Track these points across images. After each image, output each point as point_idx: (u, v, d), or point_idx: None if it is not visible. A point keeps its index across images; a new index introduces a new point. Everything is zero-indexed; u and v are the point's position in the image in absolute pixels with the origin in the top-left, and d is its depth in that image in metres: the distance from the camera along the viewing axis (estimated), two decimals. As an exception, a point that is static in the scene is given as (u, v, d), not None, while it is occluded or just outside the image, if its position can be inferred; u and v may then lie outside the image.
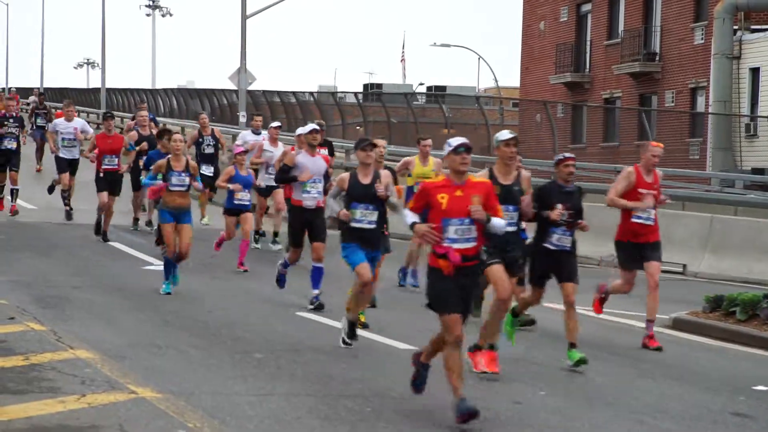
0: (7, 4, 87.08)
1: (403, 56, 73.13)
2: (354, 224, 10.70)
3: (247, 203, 16.44)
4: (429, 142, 16.47)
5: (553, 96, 46.70)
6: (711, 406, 9.14)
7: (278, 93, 49.65)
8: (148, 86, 69.63)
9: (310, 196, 13.00)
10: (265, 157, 18.14)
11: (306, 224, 12.95)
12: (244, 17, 34.75)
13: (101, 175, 18.51)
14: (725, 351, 11.91)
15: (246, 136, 20.02)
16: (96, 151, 18.60)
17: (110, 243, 18.40)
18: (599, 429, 8.08)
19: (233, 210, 16.34)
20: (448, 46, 69.18)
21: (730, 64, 38.25)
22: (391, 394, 8.79)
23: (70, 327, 10.87)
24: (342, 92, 53.70)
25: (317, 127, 13.62)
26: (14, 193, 21.21)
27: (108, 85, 57.64)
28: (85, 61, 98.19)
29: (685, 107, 41.08)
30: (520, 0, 51.71)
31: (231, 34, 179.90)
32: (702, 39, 40.36)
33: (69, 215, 21.03)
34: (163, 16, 78.32)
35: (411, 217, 8.14)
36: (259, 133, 19.85)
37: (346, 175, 11.01)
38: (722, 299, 13.01)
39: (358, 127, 45.88)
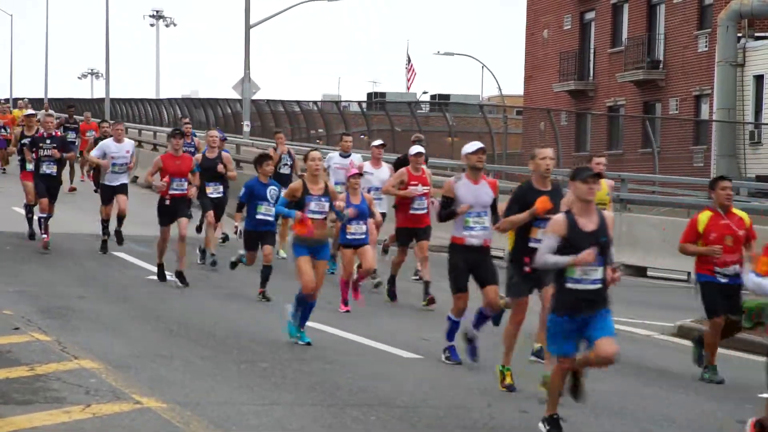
0: (11, 15, 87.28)
1: (410, 66, 73.09)
2: (570, 285, 7.91)
3: (363, 236, 13.84)
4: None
5: (557, 104, 46.71)
6: (717, 414, 9.12)
7: (282, 102, 49.71)
8: (153, 96, 69.76)
9: (474, 233, 10.58)
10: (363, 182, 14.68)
11: (471, 266, 10.55)
12: (248, 27, 34.82)
13: (167, 202, 15.32)
14: (731, 359, 11.88)
15: (333, 158, 17.05)
16: (166, 178, 15.27)
17: (115, 253, 18.39)
18: (605, 437, 8.05)
19: (348, 245, 13.83)
20: (451, 54, 69.22)
21: (734, 72, 38.26)
22: (397, 403, 8.78)
23: (75, 337, 10.87)
24: (346, 101, 53.77)
25: (483, 146, 11.18)
26: (42, 222, 18.15)
27: (112, 96, 57.71)
28: (90, 71, 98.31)
29: (689, 115, 41.07)
30: (523, 8, 51.78)
31: (235, 44, 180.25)
32: (706, 46, 40.36)
33: (105, 246, 18.29)
34: (167, 26, 78.49)
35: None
36: (347, 156, 17.06)
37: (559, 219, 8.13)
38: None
39: (362, 136, 45.90)
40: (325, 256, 11.44)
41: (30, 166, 18.32)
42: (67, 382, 8.88)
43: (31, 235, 18.83)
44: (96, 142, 25.48)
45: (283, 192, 11.88)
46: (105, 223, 18.29)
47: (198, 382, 9.15)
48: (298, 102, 49.37)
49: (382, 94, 66.17)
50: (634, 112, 43.12)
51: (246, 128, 36.51)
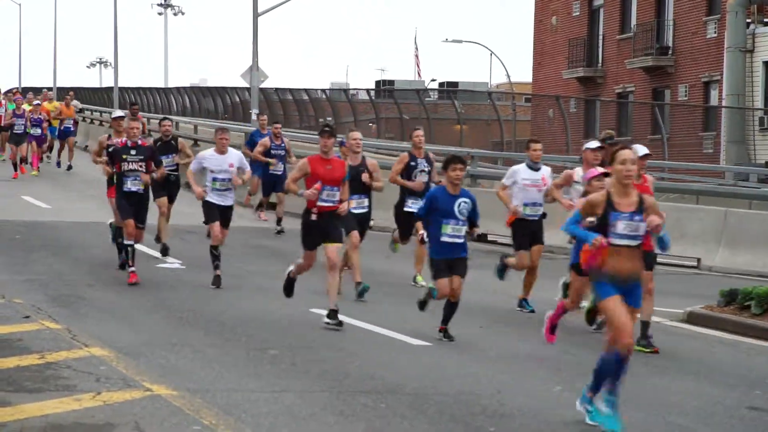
0: (20, 4, 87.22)
1: (416, 54, 73.08)
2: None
3: None
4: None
5: (566, 91, 46.62)
6: (726, 401, 9.12)
7: (290, 90, 49.73)
8: (161, 85, 69.80)
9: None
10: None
11: None
12: (256, 15, 34.78)
13: (314, 218, 11.84)
14: (740, 345, 11.87)
15: (519, 171, 13.76)
16: (317, 185, 11.81)
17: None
18: (614, 424, 8.05)
19: None
20: (460, 41, 69.01)
21: (743, 58, 38.14)
22: (406, 390, 8.80)
23: (85, 325, 10.91)
24: (354, 89, 53.75)
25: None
26: (130, 253, 14.33)
27: (121, 84, 57.75)
28: (98, 60, 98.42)
29: (699, 101, 40.97)
30: (532, -5, 51.62)
31: (243, 32, 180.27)
32: (715, 32, 40.23)
33: (219, 281, 14.17)
34: (175, 14, 78.45)
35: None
36: (538, 169, 13.64)
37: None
38: (737, 293, 12.98)
39: (370, 124, 45.90)
40: (638, 303, 8.13)
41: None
42: (78, 369, 8.91)
43: (122, 265, 14.90)
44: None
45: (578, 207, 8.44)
46: (216, 250, 14.25)
47: (208, 370, 9.18)
48: (306, 90, 49.37)
49: (391, 82, 66.11)
50: (644, 99, 43.03)
51: (254, 117, 36.51)
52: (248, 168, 15.14)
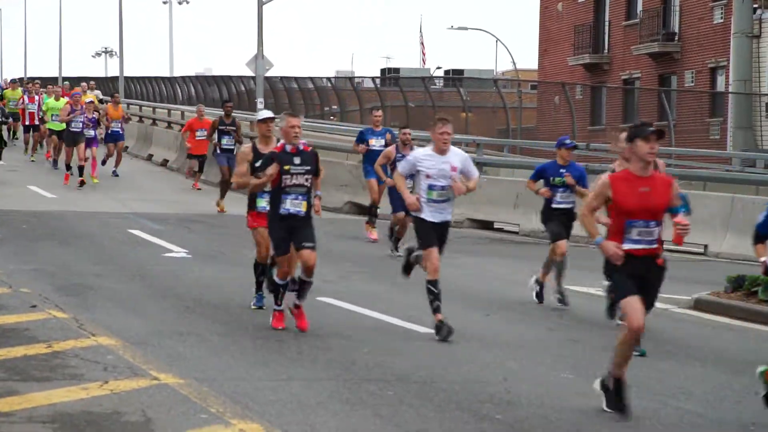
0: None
1: (422, 41, 73.02)
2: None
3: None
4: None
5: (572, 78, 46.53)
6: (734, 387, 9.11)
7: (296, 79, 49.69)
8: (166, 74, 69.77)
9: None
10: None
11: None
12: (261, 3, 34.71)
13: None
14: (747, 331, 11.86)
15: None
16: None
17: (130, 231, 18.45)
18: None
19: None
20: (465, 29, 68.83)
21: (749, 43, 38.01)
22: (413, 378, 8.80)
23: (93, 314, 10.92)
24: (359, 77, 53.72)
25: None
26: (280, 293, 10.84)
27: (126, 74, 57.78)
28: (103, 49, 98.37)
29: (705, 87, 40.88)
30: (537, -19, 51.47)
31: (248, 21, 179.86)
32: (721, 18, 40.10)
33: (447, 329, 10.54)
34: (179, 3, 78.39)
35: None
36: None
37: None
38: (744, 279, 12.96)
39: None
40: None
41: (263, 203, 11.17)
42: (85, 358, 8.93)
43: (258, 299, 11.98)
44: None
45: None
46: (434, 286, 10.66)
47: (214, 359, 9.19)
48: (311, 78, 49.32)
49: (396, 70, 66.01)
50: (650, 85, 42.93)
51: (260, 105, 36.49)
52: (475, 172, 10.89)
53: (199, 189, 26.89)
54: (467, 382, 8.77)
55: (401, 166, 11.00)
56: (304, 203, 10.48)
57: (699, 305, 13.13)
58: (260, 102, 35.55)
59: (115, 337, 9.79)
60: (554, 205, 12.79)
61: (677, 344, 10.98)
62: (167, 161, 33.88)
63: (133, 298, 12.19)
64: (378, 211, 18.98)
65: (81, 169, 25.43)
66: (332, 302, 12.35)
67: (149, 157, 35.46)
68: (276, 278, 10.78)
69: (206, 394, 7.94)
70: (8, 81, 39.92)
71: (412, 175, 10.90)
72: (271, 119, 11.34)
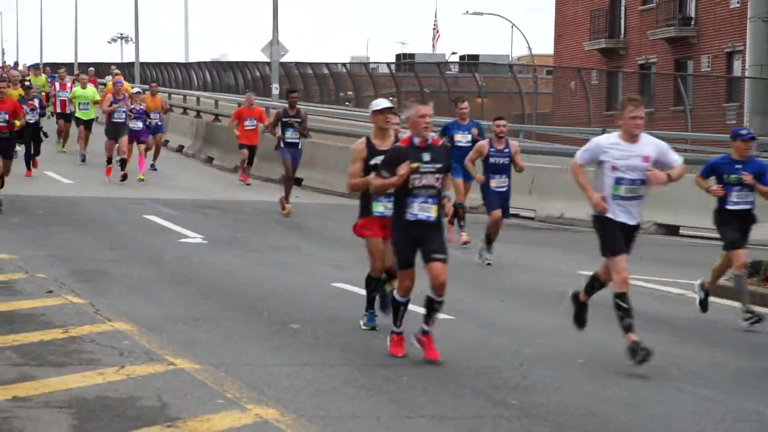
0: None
1: (435, 25, 72.85)
2: None
3: None
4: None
5: (588, 63, 46.37)
6: (751, 372, 9.07)
7: (311, 65, 49.64)
8: (182, 60, 69.81)
9: None
10: None
11: None
12: (276, -11, 34.66)
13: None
14: (763, 316, 11.80)
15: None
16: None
17: (146, 216, 18.49)
18: (638, 396, 8.04)
19: None
20: (480, 14, 68.82)
21: (766, 28, 37.76)
22: (428, 364, 8.79)
23: (108, 300, 10.95)
24: (375, 63, 53.59)
25: None
26: (401, 312, 9.27)
27: (142, 60, 57.79)
28: (119, 35, 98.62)
29: (722, 72, 40.69)
30: (552, -34, 51.27)
31: (263, 7, 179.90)
32: (738, 2, 39.88)
33: (646, 356, 8.87)
34: (195, -11, 78.23)
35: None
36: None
37: None
38: (760, 265, 12.91)
39: (391, 98, 45.80)
40: None
41: (381, 207, 9.70)
42: (101, 344, 8.95)
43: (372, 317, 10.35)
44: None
45: None
46: (623, 301, 9.29)
47: (230, 344, 9.20)
48: (326, 64, 49.26)
49: (411, 56, 65.90)
50: (666, 70, 42.76)
51: (275, 91, 36.49)
52: (677, 159, 9.27)
53: (248, 184, 25.38)
54: (482, 367, 8.76)
55: (580, 156, 9.21)
56: (434, 207, 8.82)
57: (715, 290, 13.07)
58: (275, 88, 35.54)
59: (131, 323, 9.82)
60: (729, 207, 11.22)
61: (693, 329, 10.95)
62: (182, 147, 33.93)
63: (149, 283, 12.22)
64: (464, 211, 16.79)
65: (123, 162, 23.65)
66: (347, 288, 12.35)
67: (165, 143, 35.49)
68: (396, 295, 9.11)
69: (222, 379, 7.96)
70: (26, 66, 39.68)
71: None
72: (389, 109, 9.83)
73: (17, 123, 17.48)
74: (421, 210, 8.80)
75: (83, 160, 27.29)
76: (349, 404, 7.51)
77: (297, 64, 49.60)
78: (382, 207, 9.61)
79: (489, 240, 14.86)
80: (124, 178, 23.41)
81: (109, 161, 24.30)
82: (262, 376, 8.10)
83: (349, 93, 47.51)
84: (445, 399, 7.75)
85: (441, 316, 10.62)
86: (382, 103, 9.93)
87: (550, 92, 47.31)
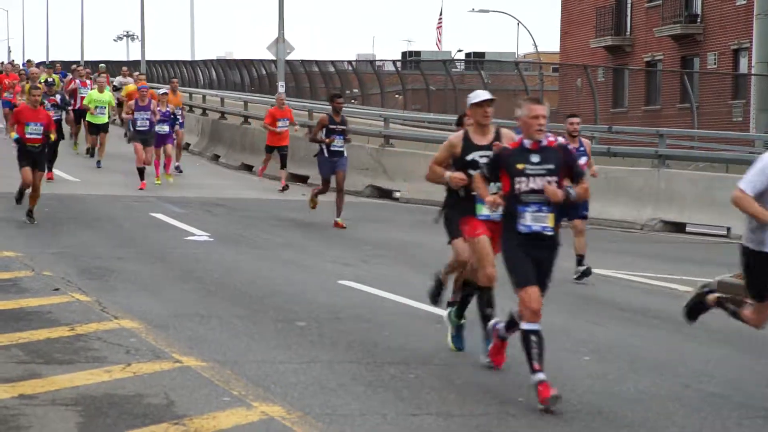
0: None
1: (439, 23, 72.78)
2: None
3: None
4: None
5: (594, 60, 46.31)
6: (757, 369, 9.06)
7: (316, 62, 49.62)
8: (188, 58, 69.84)
9: None
10: None
11: None
12: (282, -13, 34.66)
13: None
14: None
15: None
16: None
17: (152, 214, 18.51)
18: (644, 394, 8.04)
19: None
20: (486, 11, 68.61)
21: (773, 25, 37.68)
22: (435, 361, 8.79)
23: (115, 297, 10.96)
24: (380, 60, 53.60)
25: None
26: (535, 348, 7.81)
27: (148, 58, 57.87)
28: (125, 33, 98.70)
29: (728, 69, 40.63)
30: (558, -37, 51.22)
31: (269, 4, 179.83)
32: (744, -1, 39.80)
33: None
34: (200, -13, 78.28)
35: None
36: None
37: None
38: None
39: (397, 96, 45.79)
40: None
41: (485, 210, 8.64)
42: (108, 341, 8.96)
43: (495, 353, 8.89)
44: None
45: None
46: None
47: (236, 341, 9.21)
48: (332, 62, 49.27)
49: (417, 53, 65.89)
50: (672, 67, 42.70)
51: (281, 89, 36.51)
52: None
53: (284, 189, 24.00)
54: (488, 364, 8.75)
55: (749, 183, 7.66)
56: (551, 216, 7.78)
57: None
58: (281, 86, 35.55)
59: (138, 320, 9.83)
60: None
61: (699, 327, 10.93)
62: (188, 145, 33.96)
63: (156, 281, 12.23)
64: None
65: (141, 171, 22.74)
66: (353, 285, 12.36)
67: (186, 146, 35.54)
68: (522, 323, 7.80)
69: (228, 376, 7.97)
70: (34, 64, 39.54)
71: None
72: (489, 102, 8.87)
73: (51, 136, 16.82)
74: (535, 220, 7.78)
75: (99, 165, 26.25)
76: (355, 401, 7.51)
77: (303, 61, 49.61)
78: (486, 210, 8.50)
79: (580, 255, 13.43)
80: (159, 180, 23.19)
81: (141, 174, 22.78)
82: (268, 374, 8.10)
83: (355, 91, 47.52)
84: (451, 396, 7.75)
85: (445, 313, 10.62)
86: (481, 94, 8.94)
87: (556, 90, 47.25)
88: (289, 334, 9.67)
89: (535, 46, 64.30)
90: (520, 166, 7.80)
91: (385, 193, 25.25)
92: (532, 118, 7.86)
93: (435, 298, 10.23)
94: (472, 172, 8.47)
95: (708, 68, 41.32)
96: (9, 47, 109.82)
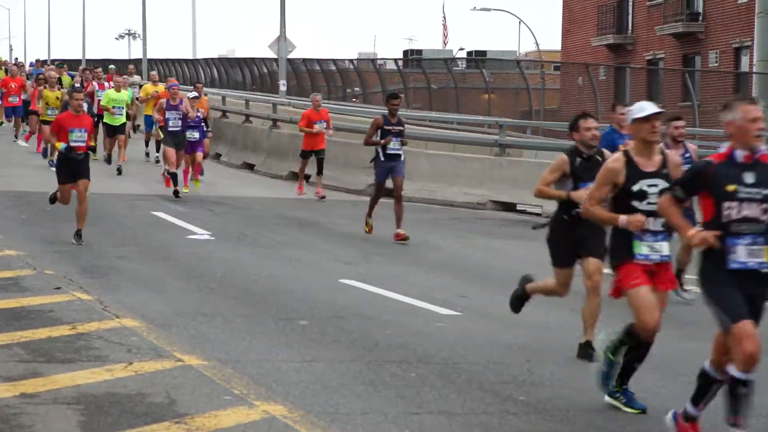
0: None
1: (445, 21, 72.84)
2: None
3: None
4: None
5: (595, 58, 46.31)
6: (762, 367, 9.04)
7: (318, 61, 49.65)
8: (189, 56, 69.87)
9: None
10: None
11: None
12: (283, -15, 34.69)
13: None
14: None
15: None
16: None
17: (154, 213, 18.52)
18: (646, 392, 8.03)
19: None
20: (488, 10, 68.56)
21: (775, 23, 37.69)
22: (435, 360, 8.80)
23: (116, 296, 10.97)
24: (382, 59, 53.64)
25: None
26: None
27: (149, 56, 57.85)
28: (127, 31, 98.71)
29: (729, 67, 40.63)
30: (560, -38, 51.21)
31: (270, 3, 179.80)
32: (746, -3, 39.79)
33: None
34: (202, -15, 78.26)
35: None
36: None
37: None
38: (769, 261, 12.82)
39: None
40: None
41: (645, 249, 7.38)
42: (109, 340, 8.97)
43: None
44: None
45: None
46: None
47: (238, 340, 9.22)
48: (334, 60, 49.29)
49: (419, 52, 65.88)
50: (674, 66, 42.70)
51: (282, 87, 36.52)
52: None
53: (323, 197, 21.90)
54: (490, 363, 8.76)
55: None
56: (766, 249, 6.42)
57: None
58: (283, 84, 35.58)
59: (139, 319, 9.84)
60: None
61: (700, 324, 10.91)
62: (219, 155, 33.93)
63: (157, 279, 12.23)
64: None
65: (175, 176, 21.24)
66: (355, 284, 12.37)
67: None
68: (734, 372, 6.64)
69: (230, 375, 7.97)
70: (40, 64, 39.47)
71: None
72: (657, 116, 7.23)
73: (93, 143, 15.50)
74: (751, 255, 6.40)
75: (119, 172, 24.37)
76: (357, 400, 7.51)
77: (304, 60, 49.65)
78: (647, 248, 7.22)
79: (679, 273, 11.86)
80: (188, 186, 21.68)
81: (174, 179, 21.12)
82: (269, 373, 8.11)
83: (357, 89, 47.52)
84: (452, 395, 7.75)
85: (446, 312, 10.60)
86: (647, 107, 7.30)
87: (557, 88, 47.27)
88: (291, 332, 9.67)
89: (537, 45, 64.31)
90: (730, 188, 6.36)
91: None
92: (750, 121, 6.43)
93: (517, 309, 9.67)
94: (636, 204, 7.14)
95: (709, 67, 41.32)
96: (11, 45, 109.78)
